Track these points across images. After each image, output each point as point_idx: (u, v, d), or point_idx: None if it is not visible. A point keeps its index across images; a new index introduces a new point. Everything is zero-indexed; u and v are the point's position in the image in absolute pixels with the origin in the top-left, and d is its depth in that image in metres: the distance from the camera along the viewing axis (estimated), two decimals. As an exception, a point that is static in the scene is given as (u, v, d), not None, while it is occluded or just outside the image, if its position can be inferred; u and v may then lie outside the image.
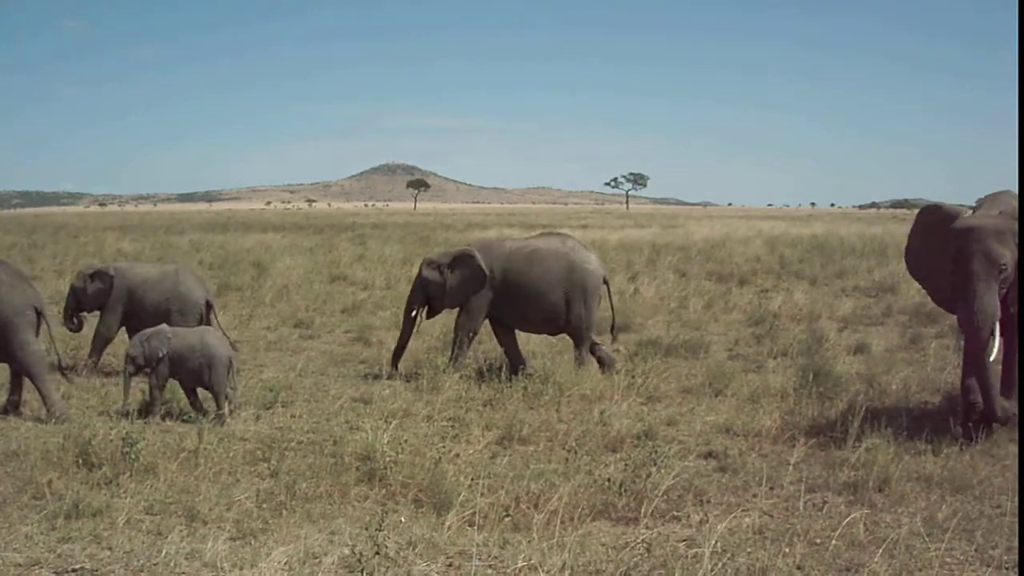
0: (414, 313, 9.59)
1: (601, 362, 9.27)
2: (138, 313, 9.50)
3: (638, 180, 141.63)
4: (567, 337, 9.60)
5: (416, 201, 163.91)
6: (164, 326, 7.92)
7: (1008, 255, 6.86)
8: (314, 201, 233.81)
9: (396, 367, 9.51)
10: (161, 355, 7.54)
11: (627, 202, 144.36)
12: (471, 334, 9.44)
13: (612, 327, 9.60)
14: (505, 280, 9.27)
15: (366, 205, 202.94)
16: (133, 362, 7.61)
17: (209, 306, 9.59)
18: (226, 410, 7.44)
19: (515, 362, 9.41)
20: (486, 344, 11.07)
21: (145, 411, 7.50)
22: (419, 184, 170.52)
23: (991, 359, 6.80)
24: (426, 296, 9.56)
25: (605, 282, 9.49)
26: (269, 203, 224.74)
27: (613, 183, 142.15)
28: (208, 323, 9.36)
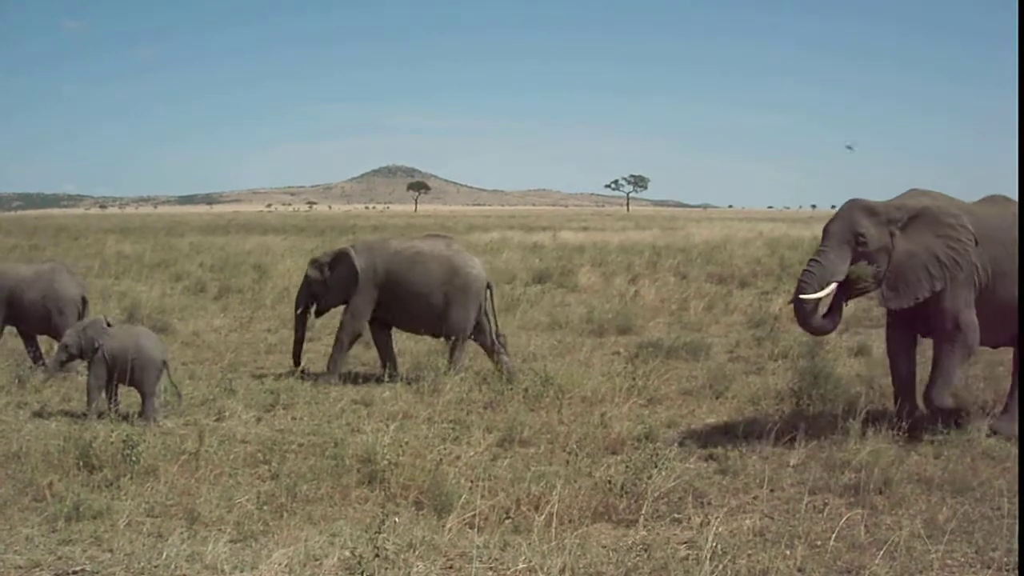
0: (300, 311, 9.72)
1: (503, 370, 9.22)
2: (18, 313, 9.58)
3: (638, 182, 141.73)
4: (443, 339, 9.55)
5: (417, 203, 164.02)
6: (100, 317, 8.02)
7: (873, 233, 7.05)
8: (315, 203, 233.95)
9: (298, 364, 9.58)
10: (97, 345, 7.56)
11: (628, 204, 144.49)
12: (353, 335, 9.52)
13: (496, 334, 9.53)
14: (387, 281, 9.35)
15: (367, 207, 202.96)
16: (67, 350, 7.69)
17: (85, 302, 9.70)
18: (152, 413, 7.46)
19: (384, 359, 9.56)
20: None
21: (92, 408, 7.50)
22: (420, 186, 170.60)
23: (818, 314, 7.22)
24: (311, 294, 9.69)
25: (488, 287, 9.50)
26: (270, 205, 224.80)
27: (613, 185, 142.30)
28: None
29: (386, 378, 9.12)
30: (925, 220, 7.13)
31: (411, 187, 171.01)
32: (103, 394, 7.61)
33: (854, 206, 7.21)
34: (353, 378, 9.44)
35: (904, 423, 6.95)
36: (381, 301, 9.38)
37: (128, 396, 7.82)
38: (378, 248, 9.62)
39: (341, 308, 9.72)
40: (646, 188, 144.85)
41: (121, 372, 7.57)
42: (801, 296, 7.11)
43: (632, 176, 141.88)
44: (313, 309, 9.84)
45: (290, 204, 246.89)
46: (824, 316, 7.28)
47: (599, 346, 10.79)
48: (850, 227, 7.12)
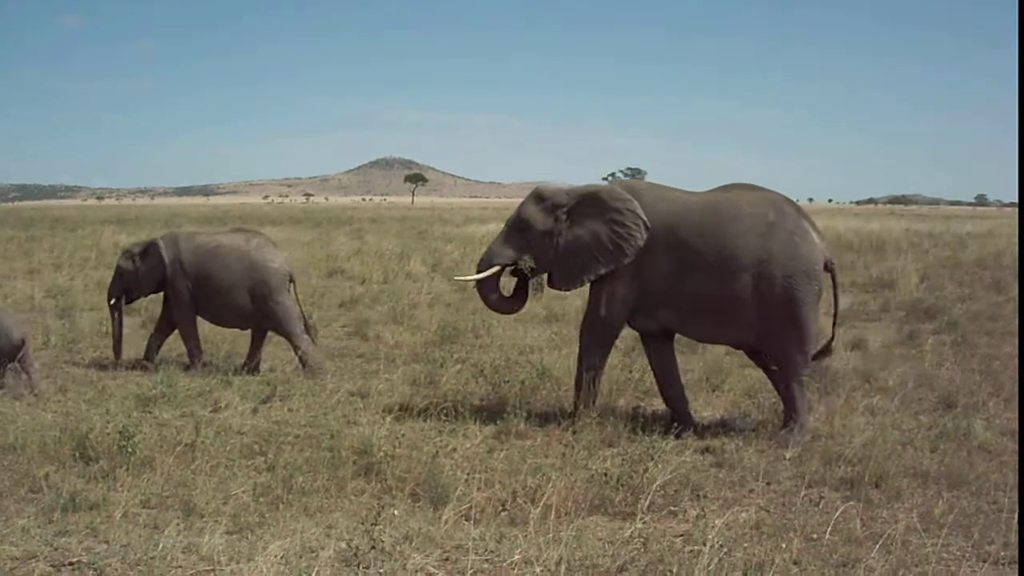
0: (113, 301, 9.80)
1: (302, 362, 9.32)
2: None
3: (636, 175, 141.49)
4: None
5: (414, 195, 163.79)
6: None
7: (538, 218, 7.39)
8: (312, 195, 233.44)
9: (119, 357, 9.65)
10: None
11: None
12: (187, 322, 9.59)
13: (306, 327, 9.60)
14: (191, 273, 9.49)
15: (363, 199, 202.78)
16: None
17: None
18: (14, 390, 7.62)
19: (193, 357, 9.59)
20: (483, 339, 11.08)
21: None
22: (417, 178, 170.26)
23: (497, 293, 7.70)
24: (124, 285, 9.81)
25: (291, 280, 9.59)
26: (267, 197, 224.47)
27: (610, 178, 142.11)
28: None
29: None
30: (593, 205, 7.31)
31: (408, 179, 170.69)
32: None
33: (531, 192, 7.61)
34: (349, 370, 9.43)
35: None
36: (192, 293, 9.52)
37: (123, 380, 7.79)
38: (184, 240, 9.77)
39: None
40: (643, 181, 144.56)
41: None
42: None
43: (629, 169, 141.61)
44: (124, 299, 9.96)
45: (287, 196, 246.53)
46: (511, 296, 7.74)
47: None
48: (518, 213, 7.51)
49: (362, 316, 12.69)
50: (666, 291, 7.10)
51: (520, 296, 7.71)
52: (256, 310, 9.36)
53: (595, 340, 7.35)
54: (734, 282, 6.87)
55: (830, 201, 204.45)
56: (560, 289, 7.51)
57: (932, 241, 27.33)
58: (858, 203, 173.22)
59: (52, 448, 6.12)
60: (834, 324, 7.37)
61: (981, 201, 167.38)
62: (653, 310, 7.22)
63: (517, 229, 7.48)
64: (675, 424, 7.04)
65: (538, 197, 7.49)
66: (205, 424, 6.71)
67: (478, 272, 7.63)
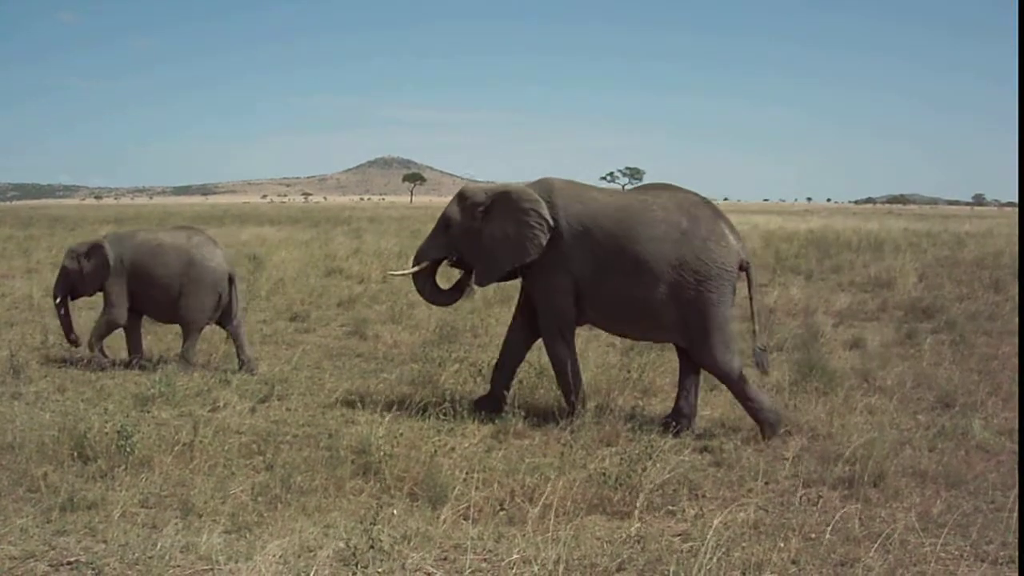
0: (58, 300, 9.88)
1: (242, 364, 9.38)
2: None
3: (634, 174, 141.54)
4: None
5: (412, 195, 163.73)
6: None
7: (458, 217, 7.72)
8: (310, 195, 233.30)
9: (75, 344, 9.78)
10: None
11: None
12: (111, 322, 9.64)
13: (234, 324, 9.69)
14: (132, 271, 9.58)
15: (362, 199, 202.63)
16: None
17: None
18: None
19: (134, 350, 9.73)
20: (481, 338, 11.08)
21: None
22: (415, 178, 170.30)
23: (433, 287, 7.98)
24: (69, 284, 9.87)
25: (231, 281, 9.65)
26: (265, 196, 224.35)
27: (609, 177, 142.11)
28: None
29: (135, 367, 9.31)
30: (504, 204, 7.49)
31: (406, 178, 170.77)
32: None
33: (457, 192, 7.94)
34: (348, 370, 9.43)
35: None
36: (131, 290, 9.61)
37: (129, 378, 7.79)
38: (127, 239, 9.86)
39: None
40: (641, 180, 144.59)
41: None
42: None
43: (627, 168, 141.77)
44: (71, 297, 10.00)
45: (285, 195, 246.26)
46: (449, 289, 8.03)
47: (594, 338, 10.75)
48: (444, 211, 7.86)
49: (360, 315, 12.69)
50: (589, 292, 7.26)
51: (458, 288, 8.00)
52: (180, 305, 9.46)
53: (555, 333, 7.46)
54: (650, 287, 7.01)
55: (828, 200, 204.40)
56: (479, 284, 7.72)
57: (930, 240, 27.35)
58: (856, 202, 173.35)
59: (50, 447, 6.11)
60: (753, 321, 7.44)
61: (979, 200, 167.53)
62: (584, 309, 7.38)
63: (443, 227, 7.82)
64: (668, 419, 7.14)
65: (460, 196, 7.81)
66: (203, 423, 6.70)
67: (408, 269, 8.19)
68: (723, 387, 8.36)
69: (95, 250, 9.72)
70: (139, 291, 9.55)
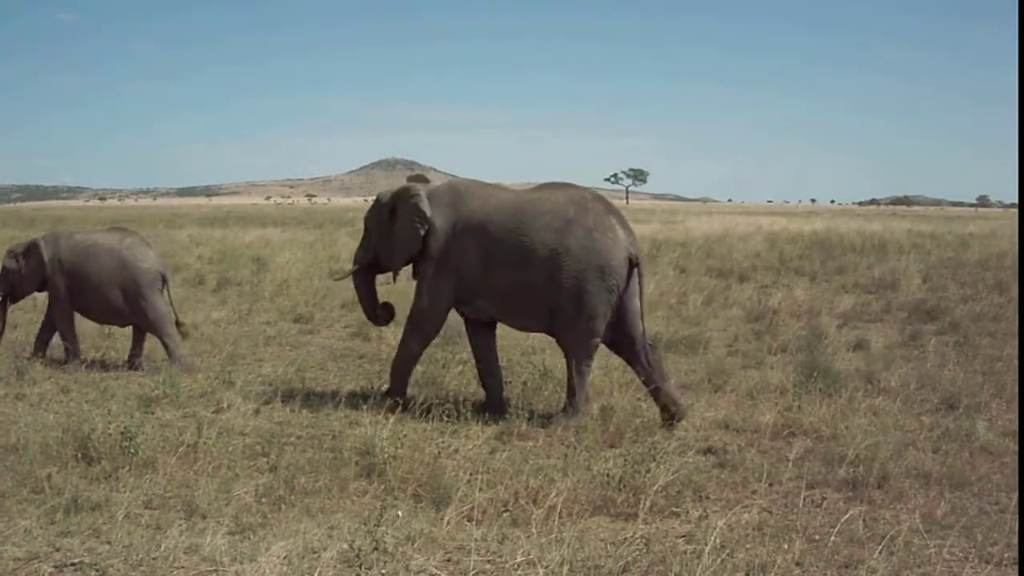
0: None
1: (171, 359, 9.45)
2: None
3: (638, 176, 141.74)
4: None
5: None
6: None
7: (372, 218, 8.30)
8: (314, 196, 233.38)
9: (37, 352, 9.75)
10: None
11: (627, 198, 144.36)
12: (65, 320, 9.67)
13: (176, 322, 9.77)
14: (67, 272, 9.64)
15: (366, 200, 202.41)
16: None
17: None
18: None
19: (69, 354, 9.64)
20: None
21: None
22: (419, 179, 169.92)
23: (363, 290, 8.57)
24: (8, 284, 9.91)
25: (164, 280, 9.74)
26: (269, 198, 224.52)
27: (613, 179, 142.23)
28: None
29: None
30: (400, 202, 8.01)
31: (410, 180, 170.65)
32: None
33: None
34: (351, 371, 9.43)
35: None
36: (70, 290, 9.64)
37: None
38: (63, 239, 9.89)
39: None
40: (645, 182, 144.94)
41: None
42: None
43: (631, 170, 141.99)
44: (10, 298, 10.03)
45: (289, 197, 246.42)
46: (382, 305, 8.57)
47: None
48: (365, 217, 8.41)
49: (364, 317, 12.66)
50: (478, 283, 7.63)
51: (387, 311, 8.58)
52: (128, 307, 9.54)
53: (416, 329, 7.94)
54: (531, 274, 7.34)
55: (832, 202, 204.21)
56: (393, 277, 8.31)
57: (934, 242, 27.30)
58: (861, 204, 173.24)
59: (54, 449, 6.12)
60: (641, 318, 7.52)
61: (983, 202, 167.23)
62: (471, 299, 7.75)
63: (366, 231, 8.44)
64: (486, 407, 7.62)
65: (375, 200, 8.35)
66: (207, 425, 6.70)
67: (349, 273, 8.75)
68: (728, 389, 8.40)
69: (31, 250, 9.78)
70: (76, 291, 9.60)
